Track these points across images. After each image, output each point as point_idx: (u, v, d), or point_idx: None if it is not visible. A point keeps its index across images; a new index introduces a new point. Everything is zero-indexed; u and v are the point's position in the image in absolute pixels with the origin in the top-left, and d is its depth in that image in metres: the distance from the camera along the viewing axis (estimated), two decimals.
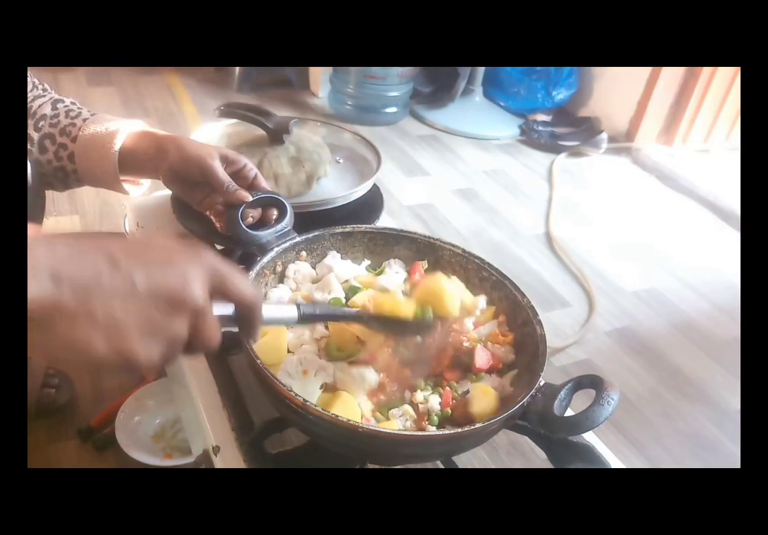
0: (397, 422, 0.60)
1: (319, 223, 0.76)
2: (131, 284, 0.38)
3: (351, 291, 0.71)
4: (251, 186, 0.77)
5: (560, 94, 2.74)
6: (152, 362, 0.39)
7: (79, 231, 1.64)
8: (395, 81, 2.57)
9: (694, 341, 1.69)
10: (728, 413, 1.47)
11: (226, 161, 0.75)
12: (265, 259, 0.70)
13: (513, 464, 0.72)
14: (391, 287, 0.71)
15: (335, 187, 0.93)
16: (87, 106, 0.81)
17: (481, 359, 0.64)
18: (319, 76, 2.74)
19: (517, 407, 0.57)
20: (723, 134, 2.76)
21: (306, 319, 0.55)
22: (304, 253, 0.75)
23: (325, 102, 2.76)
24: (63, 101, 0.79)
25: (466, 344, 0.65)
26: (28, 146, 0.73)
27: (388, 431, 0.54)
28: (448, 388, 0.63)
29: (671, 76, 2.54)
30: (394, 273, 0.75)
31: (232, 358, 0.74)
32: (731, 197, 2.32)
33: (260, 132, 0.95)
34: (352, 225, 0.77)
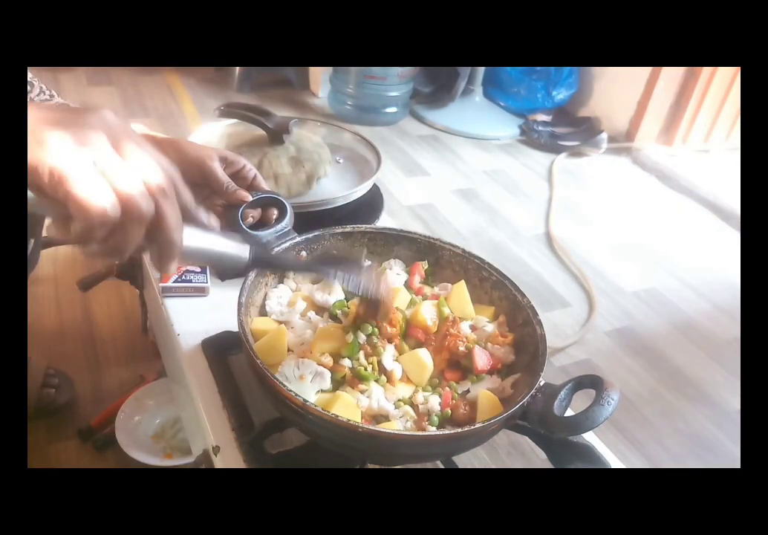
0: (397, 423, 0.60)
1: (319, 223, 0.76)
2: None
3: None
4: (251, 187, 0.77)
5: (560, 94, 2.74)
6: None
7: None
8: (395, 81, 2.57)
9: (694, 341, 1.69)
10: (728, 413, 1.47)
11: (225, 162, 0.75)
12: None
13: (513, 464, 0.72)
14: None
15: (335, 187, 0.93)
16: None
17: (481, 359, 0.64)
18: (319, 76, 2.74)
19: (517, 407, 0.57)
20: (723, 134, 2.76)
21: (258, 264, 0.53)
22: (304, 253, 0.75)
23: (325, 102, 2.76)
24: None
25: (462, 348, 0.65)
26: None
27: (388, 431, 0.54)
28: (447, 388, 0.63)
29: (671, 76, 2.55)
30: (395, 274, 0.75)
31: (232, 358, 0.74)
32: (731, 197, 2.33)
33: (260, 132, 0.95)
34: (352, 225, 0.77)
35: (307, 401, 0.53)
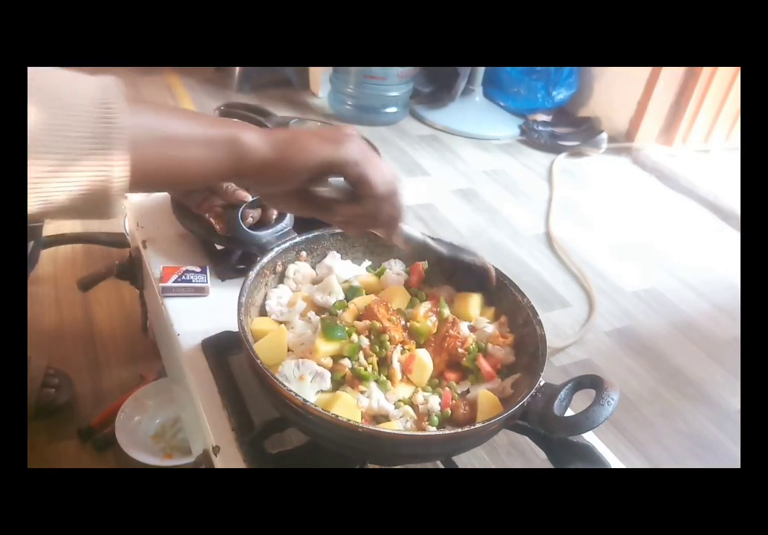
0: (397, 423, 0.60)
1: (319, 223, 0.76)
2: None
3: (351, 292, 0.71)
4: None
5: (560, 94, 2.74)
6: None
7: (78, 230, 1.65)
8: (395, 81, 2.57)
9: (694, 341, 1.69)
10: (728, 413, 1.46)
11: None
12: (265, 259, 0.70)
13: (513, 464, 0.72)
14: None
15: None
16: None
17: (486, 367, 0.65)
18: (319, 76, 2.74)
19: (517, 407, 0.57)
20: (723, 134, 2.76)
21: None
22: (304, 253, 0.75)
23: (325, 102, 2.76)
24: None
25: (460, 350, 0.65)
26: None
27: (388, 431, 0.54)
28: (447, 388, 0.63)
29: (671, 76, 2.54)
30: (395, 274, 0.75)
31: (232, 358, 0.74)
32: (731, 197, 2.32)
33: None
34: None
35: (307, 401, 0.53)
